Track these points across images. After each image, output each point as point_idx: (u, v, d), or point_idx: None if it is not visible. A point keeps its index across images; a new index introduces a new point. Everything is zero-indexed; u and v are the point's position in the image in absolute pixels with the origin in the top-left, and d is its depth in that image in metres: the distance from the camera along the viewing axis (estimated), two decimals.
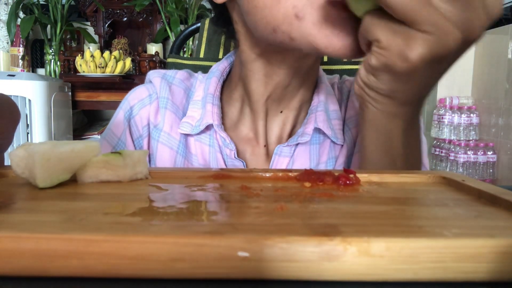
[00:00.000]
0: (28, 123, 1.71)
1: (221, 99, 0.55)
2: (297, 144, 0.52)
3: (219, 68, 0.56)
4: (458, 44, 0.30)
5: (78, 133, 2.09)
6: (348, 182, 0.29)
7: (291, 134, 0.53)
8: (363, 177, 0.31)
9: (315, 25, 0.37)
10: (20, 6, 2.08)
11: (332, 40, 0.37)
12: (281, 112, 0.53)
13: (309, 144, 0.52)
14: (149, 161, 0.55)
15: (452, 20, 0.29)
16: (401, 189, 0.28)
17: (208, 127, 0.52)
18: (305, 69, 0.49)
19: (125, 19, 2.23)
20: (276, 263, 0.16)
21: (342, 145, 0.53)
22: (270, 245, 0.16)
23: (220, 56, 0.85)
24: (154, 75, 0.58)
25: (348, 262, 0.16)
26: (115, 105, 2.07)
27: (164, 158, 0.53)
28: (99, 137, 2.02)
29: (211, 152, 0.53)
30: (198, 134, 0.53)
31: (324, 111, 0.52)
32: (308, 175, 0.30)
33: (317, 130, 0.52)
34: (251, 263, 0.16)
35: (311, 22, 0.37)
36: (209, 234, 0.17)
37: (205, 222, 0.19)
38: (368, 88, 0.36)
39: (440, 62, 0.32)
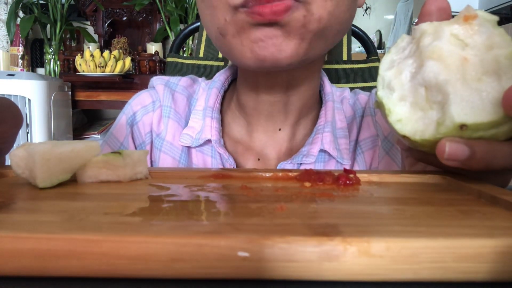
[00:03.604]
0: (28, 123, 1.71)
1: (222, 110, 0.55)
2: (300, 163, 0.50)
3: (220, 78, 0.55)
4: None
5: (78, 132, 2.09)
6: (348, 182, 0.29)
7: (290, 149, 0.52)
8: (363, 177, 0.31)
9: (234, 37, 0.41)
10: (20, 6, 2.07)
11: (244, 52, 0.41)
12: (280, 130, 0.52)
13: (314, 163, 0.51)
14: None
15: None
16: (401, 189, 0.28)
17: (209, 140, 0.52)
18: (281, 88, 0.48)
19: (124, 18, 2.22)
20: (276, 263, 0.16)
21: (348, 165, 0.52)
22: (270, 245, 0.16)
23: (220, 55, 0.85)
24: (158, 82, 0.57)
25: (348, 262, 0.16)
26: (115, 104, 2.05)
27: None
28: (99, 136, 2.02)
29: (213, 164, 0.52)
30: (198, 146, 0.53)
31: (331, 131, 0.51)
32: (308, 175, 0.30)
33: (323, 151, 0.51)
34: (251, 263, 0.16)
35: (231, 36, 0.41)
36: (209, 234, 0.17)
37: (205, 222, 0.19)
38: None
39: None
